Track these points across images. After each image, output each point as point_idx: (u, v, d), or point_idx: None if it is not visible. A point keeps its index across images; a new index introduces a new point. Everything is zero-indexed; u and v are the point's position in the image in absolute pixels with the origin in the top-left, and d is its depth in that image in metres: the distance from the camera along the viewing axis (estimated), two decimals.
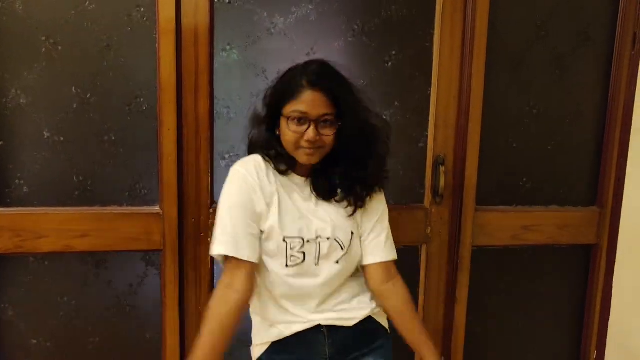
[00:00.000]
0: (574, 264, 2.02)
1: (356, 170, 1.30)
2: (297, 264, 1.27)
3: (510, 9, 1.78)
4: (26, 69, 1.53)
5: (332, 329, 1.31)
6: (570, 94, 1.87)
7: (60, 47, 1.54)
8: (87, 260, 1.66)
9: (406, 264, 1.87)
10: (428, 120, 1.78)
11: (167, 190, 1.60)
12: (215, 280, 1.70)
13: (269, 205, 1.26)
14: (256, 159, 1.30)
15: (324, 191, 1.32)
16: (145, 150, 1.62)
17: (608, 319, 2.00)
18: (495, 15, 1.75)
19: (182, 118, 1.60)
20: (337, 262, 1.30)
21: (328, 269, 1.29)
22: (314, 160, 1.25)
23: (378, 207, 1.39)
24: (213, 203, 1.65)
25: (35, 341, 1.66)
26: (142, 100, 1.60)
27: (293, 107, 1.21)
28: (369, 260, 1.37)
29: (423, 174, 1.81)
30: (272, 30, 1.64)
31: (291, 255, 1.26)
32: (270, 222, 1.25)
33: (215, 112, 1.64)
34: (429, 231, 1.82)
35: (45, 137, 1.57)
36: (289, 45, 1.66)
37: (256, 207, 1.25)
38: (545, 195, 1.92)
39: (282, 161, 1.29)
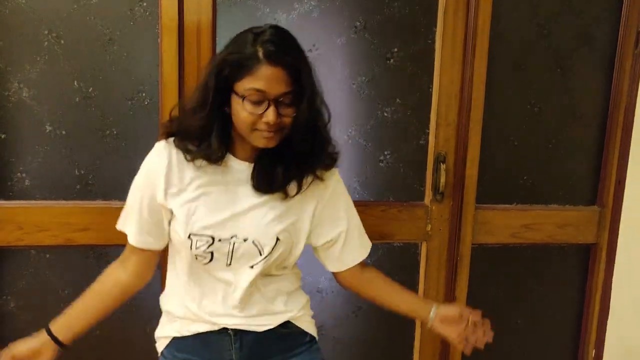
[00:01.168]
0: (574, 263, 2.02)
1: (304, 156, 1.15)
2: (204, 264, 1.16)
3: (512, 7, 1.77)
4: (28, 62, 1.53)
5: (240, 332, 1.21)
6: (571, 93, 1.87)
7: (62, 41, 1.54)
8: (88, 254, 1.66)
9: (406, 261, 1.88)
10: (429, 118, 1.78)
11: None
12: None
13: (176, 195, 1.14)
14: (170, 145, 1.16)
15: (264, 183, 1.15)
16: (146, 144, 1.61)
17: (607, 318, 2.00)
18: (497, 14, 1.74)
19: None
20: (252, 267, 1.16)
21: (241, 274, 1.17)
22: (272, 144, 1.10)
23: (338, 214, 1.26)
24: None
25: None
26: (144, 94, 1.60)
27: (248, 85, 1.04)
28: (339, 268, 1.30)
29: (424, 171, 1.81)
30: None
31: (196, 255, 1.15)
32: (175, 215, 1.14)
33: None
34: (429, 229, 1.83)
35: (47, 130, 1.58)
36: None
37: (157, 196, 1.14)
38: (545, 194, 1.92)
39: (209, 150, 1.11)
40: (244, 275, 1.18)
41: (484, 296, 1.95)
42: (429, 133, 1.79)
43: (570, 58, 1.85)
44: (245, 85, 1.05)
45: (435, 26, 1.73)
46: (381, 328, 1.91)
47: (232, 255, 1.15)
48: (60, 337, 1.20)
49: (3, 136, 1.56)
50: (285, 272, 1.28)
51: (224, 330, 1.21)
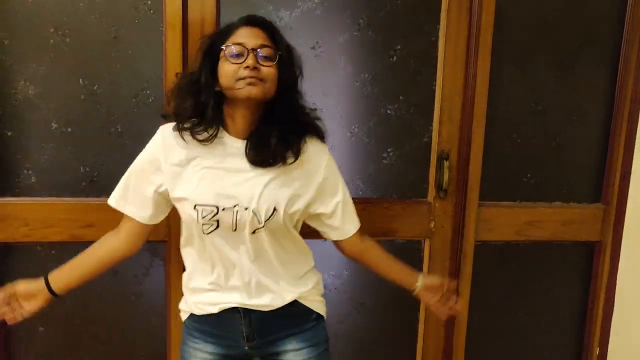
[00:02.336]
0: (578, 261, 2.02)
1: (290, 124, 1.26)
2: (211, 231, 1.24)
3: (516, 4, 1.77)
4: (35, 60, 1.55)
5: (249, 311, 1.30)
6: (575, 91, 1.87)
7: (68, 39, 1.56)
8: None
9: (409, 258, 1.86)
10: (432, 115, 1.78)
11: None
12: None
13: (178, 173, 1.24)
14: (167, 129, 1.27)
15: (259, 157, 1.23)
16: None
17: (611, 315, 2.00)
18: (501, 11, 1.74)
19: None
20: (254, 232, 1.24)
21: (247, 238, 1.24)
22: (255, 92, 1.17)
23: (332, 183, 1.33)
24: None
25: (42, 328, 1.70)
26: (148, 92, 1.62)
27: (229, 42, 1.19)
28: (342, 236, 1.38)
29: (427, 168, 1.81)
30: (278, 24, 1.64)
31: (203, 224, 1.23)
32: (181, 189, 1.24)
33: None
34: (432, 226, 1.83)
35: (53, 128, 1.59)
36: (294, 39, 1.64)
37: (158, 175, 1.26)
38: (549, 192, 1.92)
39: (204, 128, 1.22)
40: (252, 241, 1.25)
41: (487, 294, 1.95)
42: (432, 130, 1.79)
43: (574, 55, 1.84)
44: (227, 43, 1.19)
45: (439, 23, 1.73)
46: (384, 324, 1.91)
47: (236, 223, 1.23)
48: (54, 287, 1.31)
49: (9, 133, 1.58)
50: (294, 247, 1.34)
51: (234, 308, 1.30)
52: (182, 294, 1.70)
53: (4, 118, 1.57)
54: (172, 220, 1.63)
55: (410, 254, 1.87)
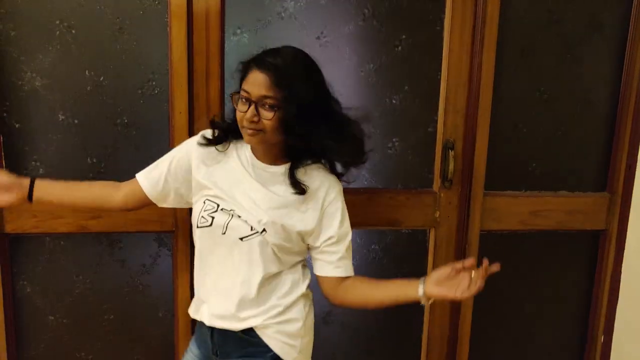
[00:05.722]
0: (583, 250, 2.02)
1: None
2: (205, 226, 1.28)
3: None
4: (41, 52, 1.56)
5: (211, 328, 1.33)
6: (581, 80, 1.86)
7: (74, 31, 1.56)
8: (101, 241, 1.70)
9: (414, 248, 1.89)
10: (438, 105, 1.78)
11: None
12: None
13: (204, 170, 1.32)
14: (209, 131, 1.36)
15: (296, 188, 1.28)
16: (157, 133, 1.65)
17: (616, 305, 2.00)
18: (506, 0, 1.73)
19: (193, 101, 1.62)
20: (242, 239, 1.25)
21: (232, 243, 1.26)
22: (255, 142, 1.24)
23: (334, 219, 1.31)
24: None
25: (52, 317, 1.72)
26: (154, 83, 1.62)
27: (242, 86, 1.23)
28: (336, 273, 1.33)
29: (432, 158, 1.82)
30: (283, 14, 1.65)
31: (201, 216, 1.29)
32: (202, 179, 1.31)
33: (225, 95, 1.65)
34: (437, 215, 1.84)
35: (60, 119, 1.60)
36: (299, 29, 1.66)
37: (185, 166, 1.34)
38: (554, 181, 1.92)
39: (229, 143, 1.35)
40: (237, 247, 1.27)
41: (492, 283, 1.94)
42: (437, 120, 1.79)
43: (580, 44, 1.83)
44: (241, 89, 1.23)
45: (444, 13, 1.73)
46: (389, 314, 1.92)
47: (227, 226, 1.26)
48: (35, 191, 1.33)
49: (17, 125, 1.59)
50: (275, 278, 1.31)
51: (203, 324, 1.35)
52: (188, 284, 1.72)
53: (11, 110, 1.57)
54: (179, 211, 1.65)
55: (415, 244, 1.88)
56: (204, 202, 1.29)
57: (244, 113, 1.20)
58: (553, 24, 1.80)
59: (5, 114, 1.57)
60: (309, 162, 1.32)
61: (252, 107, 1.19)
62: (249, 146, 1.32)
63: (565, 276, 2.03)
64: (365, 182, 1.80)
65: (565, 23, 1.81)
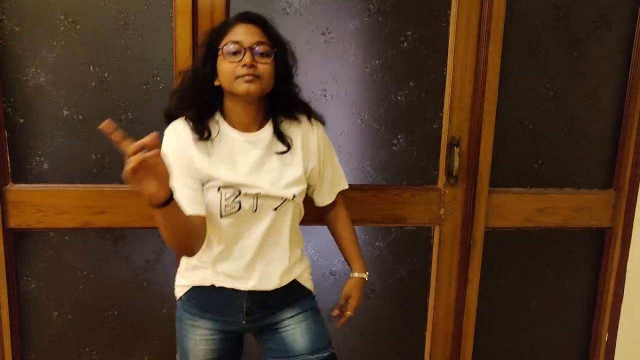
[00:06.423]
0: (588, 247, 2.01)
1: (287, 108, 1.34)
2: (232, 213, 1.27)
3: None
4: (45, 47, 1.55)
5: (251, 292, 1.34)
6: (588, 76, 1.85)
7: (78, 26, 1.56)
8: (105, 236, 1.70)
9: (419, 245, 1.88)
10: (443, 101, 1.77)
11: None
12: None
13: (201, 160, 1.26)
14: (178, 125, 1.29)
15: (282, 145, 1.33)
16: (161, 128, 1.63)
17: (621, 303, 2.00)
18: None
19: None
20: (276, 209, 1.30)
21: (267, 217, 1.30)
22: (253, 89, 1.22)
23: (319, 145, 1.39)
24: None
25: (56, 313, 1.72)
26: (158, 79, 1.62)
27: (227, 40, 1.23)
28: (324, 202, 1.46)
29: (437, 155, 1.81)
30: (288, 10, 1.64)
31: (225, 205, 1.27)
32: (206, 172, 1.26)
33: None
34: (442, 212, 1.83)
35: (65, 115, 1.60)
36: (304, 25, 1.65)
37: (194, 161, 1.26)
38: (560, 178, 1.91)
39: (204, 123, 1.28)
40: (271, 219, 1.30)
41: (497, 280, 1.96)
42: (442, 117, 1.78)
43: (586, 40, 1.82)
44: (224, 42, 1.23)
45: (450, 9, 1.72)
46: (394, 309, 1.92)
47: (256, 205, 1.28)
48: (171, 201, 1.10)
49: (22, 120, 1.59)
50: (294, 228, 1.39)
51: (237, 290, 1.33)
52: None
53: (16, 105, 1.57)
54: None
55: (420, 241, 1.88)
56: (219, 191, 1.26)
57: (238, 62, 1.20)
58: (560, 20, 1.79)
59: (9, 110, 1.57)
60: (283, 118, 1.36)
61: (248, 52, 1.20)
62: (225, 122, 1.30)
63: (570, 274, 2.02)
64: (370, 179, 1.79)
65: (572, 19, 1.79)
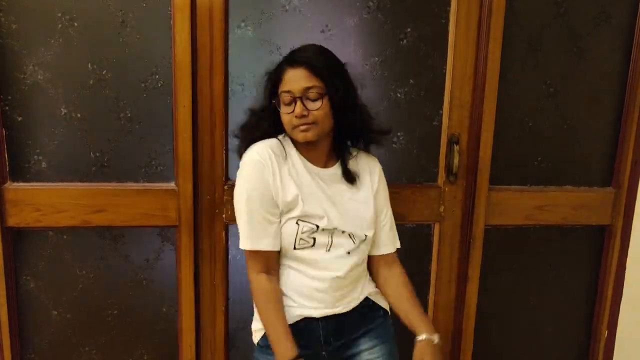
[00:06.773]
0: (588, 245, 2.01)
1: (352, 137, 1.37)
2: (305, 247, 1.28)
3: None
4: (43, 45, 1.54)
5: (327, 317, 1.32)
6: (588, 73, 1.84)
7: (76, 24, 1.55)
8: (104, 235, 1.69)
9: (419, 242, 1.88)
10: (443, 99, 1.77)
11: (182, 167, 1.62)
12: (229, 255, 1.73)
13: (285, 185, 1.26)
14: (272, 142, 1.30)
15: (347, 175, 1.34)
16: (160, 126, 1.64)
17: (620, 299, 2.00)
18: None
19: (197, 95, 1.61)
20: (349, 252, 1.31)
21: (339, 260, 1.30)
22: (310, 136, 1.25)
23: (383, 188, 1.41)
24: (228, 180, 1.67)
25: (55, 312, 1.71)
26: (157, 77, 1.61)
27: (280, 90, 1.25)
28: (379, 251, 1.42)
29: (437, 153, 1.81)
30: (287, 7, 1.63)
31: (300, 239, 1.27)
32: (288, 201, 1.26)
33: (229, 89, 1.64)
34: (442, 210, 1.83)
35: (63, 113, 1.59)
36: (303, 22, 1.65)
37: (273, 192, 1.26)
38: (560, 175, 1.91)
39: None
40: (344, 262, 1.30)
41: (496, 278, 1.96)
42: (442, 114, 1.78)
43: (587, 38, 1.82)
44: (279, 91, 1.25)
45: (449, 6, 1.71)
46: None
47: (331, 244, 1.29)
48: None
49: (19, 119, 1.58)
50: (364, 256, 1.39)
51: (312, 318, 1.31)
52: (192, 278, 1.71)
53: (14, 103, 1.56)
54: (182, 206, 1.64)
55: (420, 238, 1.87)
56: (297, 224, 1.27)
57: (291, 113, 1.23)
58: (560, 17, 1.78)
59: (7, 108, 1.56)
60: (354, 153, 1.39)
61: (298, 102, 1.22)
62: (295, 155, 1.31)
63: (570, 271, 2.02)
64: None
65: (572, 15, 1.79)
